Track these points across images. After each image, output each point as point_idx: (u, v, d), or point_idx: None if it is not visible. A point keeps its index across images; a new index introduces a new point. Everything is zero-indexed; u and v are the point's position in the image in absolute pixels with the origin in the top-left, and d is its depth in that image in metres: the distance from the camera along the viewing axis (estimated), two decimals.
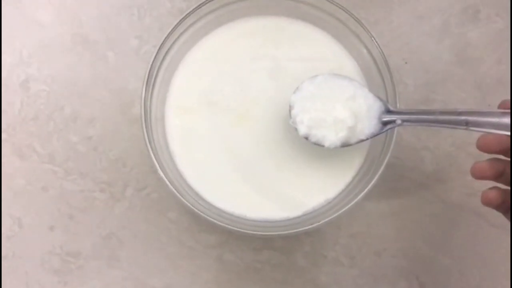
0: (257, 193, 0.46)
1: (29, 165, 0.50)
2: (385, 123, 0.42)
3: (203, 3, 0.44)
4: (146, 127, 0.43)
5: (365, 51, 0.46)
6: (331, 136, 0.42)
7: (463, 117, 0.37)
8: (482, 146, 0.36)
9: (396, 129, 0.43)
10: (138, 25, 0.53)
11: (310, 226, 0.41)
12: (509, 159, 0.36)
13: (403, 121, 0.41)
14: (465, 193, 0.51)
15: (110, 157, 0.51)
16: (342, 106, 0.42)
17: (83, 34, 0.53)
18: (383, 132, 0.42)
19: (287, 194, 0.46)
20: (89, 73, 0.52)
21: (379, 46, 0.44)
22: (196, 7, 0.44)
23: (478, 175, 0.36)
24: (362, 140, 0.43)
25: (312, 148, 0.46)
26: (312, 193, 0.46)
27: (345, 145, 0.43)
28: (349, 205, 0.42)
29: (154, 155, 0.43)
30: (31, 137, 0.51)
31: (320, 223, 0.42)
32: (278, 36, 0.47)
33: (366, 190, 0.42)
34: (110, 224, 0.50)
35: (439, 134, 0.52)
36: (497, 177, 0.36)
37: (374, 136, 0.42)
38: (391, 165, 0.49)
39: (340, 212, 0.42)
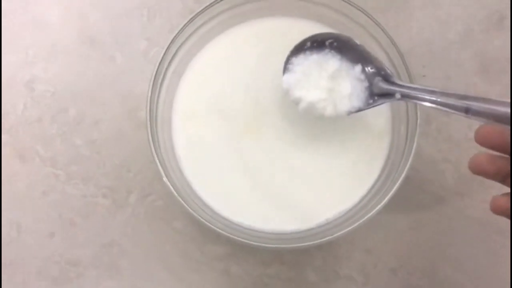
0: (267, 203, 0.44)
1: (30, 168, 0.49)
2: (381, 95, 0.40)
3: (214, 2, 0.42)
4: (151, 132, 0.41)
5: (384, 55, 0.43)
6: (325, 112, 0.41)
7: (464, 102, 0.33)
8: (480, 138, 0.32)
9: (416, 139, 0.41)
10: (147, 26, 0.51)
11: (322, 240, 0.39)
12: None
13: (402, 95, 0.38)
14: (487, 209, 0.46)
15: (114, 161, 0.49)
16: (320, 86, 0.41)
17: (90, 34, 0.51)
18: (374, 106, 0.40)
19: (298, 205, 0.44)
20: (95, 74, 0.50)
21: (400, 52, 0.42)
22: (206, 7, 0.43)
23: (475, 169, 0.32)
24: (353, 112, 0.41)
25: (326, 157, 0.45)
26: (325, 204, 0.44)
27: (340, 116, 0.41)
28: (364, 219, 0.40)
29: (160, 161, 0.41)
30: (33, 139, 0.49)
31: (333, 236, 0.39)
32: (292, 39, 0.44)
33: (382, 203, 0.40)
34: (112, 232, 0.48)
35: (461, 146, 0.49)
36: (500, 178, 0.31)
37: (364, 109, 0.41)
38: (410, 178, 0.47)
39: (354, 225, 0.39)
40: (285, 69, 0.42)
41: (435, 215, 0.48)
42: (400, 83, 0.39)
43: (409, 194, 0.48)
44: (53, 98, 0.50)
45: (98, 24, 0.51)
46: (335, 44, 0.41)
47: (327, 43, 0.42)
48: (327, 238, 0.39)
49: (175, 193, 0.40)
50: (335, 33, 0.42)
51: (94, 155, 0.49)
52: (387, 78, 0.40)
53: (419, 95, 0.37)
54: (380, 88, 0.40)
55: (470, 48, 0.51)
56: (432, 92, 0.36)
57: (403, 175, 0.40)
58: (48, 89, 0.50)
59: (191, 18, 0.43)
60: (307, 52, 0.42)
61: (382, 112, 0.45)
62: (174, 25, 0.51)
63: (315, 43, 0.42)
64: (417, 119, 0.41)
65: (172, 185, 0.40)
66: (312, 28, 0.44)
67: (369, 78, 0.41)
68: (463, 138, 0.49)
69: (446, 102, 0.35)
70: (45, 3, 0.52)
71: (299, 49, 0.42)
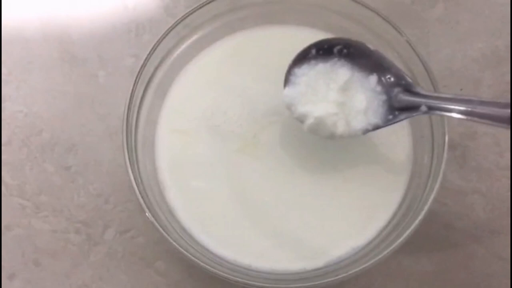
0: (267, 238, 0.38)
1: None
2: (402, 110, 0.34)
3: (203, 4, 0.38)
4: (129, 157, 0.36)
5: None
6: (336, 130, 0.35)
7: (508, 111, 0.29)
8: None
9: (443, 165, 0.35)
10: (135, 42, 0.47)
11: (332, 279, 0.33)
12: None
13: (429, 108, 0.33)
14: None
15: (91, 191, 0.43)
16: (329, 99, 0.36)
17: (72, 51, 0.46)
18: (395, 122, 0.35)
19: (304, 240, 0.38)
20: (74, 94, 0.45)
21: (422, 58, 0.37)
22: (191, 11, 0.38)
23: None
24: (370, 130, 0.36)
25: (335, 184, 0.39)
26: (335, 239, 0.38)
27: (353, 135, 0.36)
28: (382, 255, 0.34)
29: (140, 192, 0.35)
30: None
31: (346, 274, 0.33)
32: (294, 48, 0.38)
33: (401, 238, 0.34)
34: (84, 274, 0.41)
35: (491, 175, 0.43)
36: None
37: (383, 127, 0.35)
38: (435, 212, 0.42)
39: (370, 263, 0.33)
40: (287, 82, 0.37)
41: (466, 256, 0.42)
42: (426, 93, 0.34)
43: (433, 231, 0.42)
44: (25, 119, 0.44)
45: (80, 40, 0.47)
46: (344, 51, 0.36)
47: (335, 50, 0.37)
48: (338, 277, 0.33)
49: (162, 230, 0.34)
50: (345, 38, 0.37)
51: (68, 184, 0.43)
52: (409, 89, 0.35)
53: (451, 106, 0.32)
54: (401, 101, 0.35)
55: (493, 67, 0.46)
56: (467, 102, 0.31)
57: (426, 208, 0.35)
58: (20, 109, 0.45)
59: (173, 24, 0.38)
60: (312, 61, 0.37)
61: (401, 131, 0.40)
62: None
63: (321, 51, 0.37)
64: (444, 140, 0.36)
65: (157, 221, 0.34)
66: (316, 36, 0.38)
67: (387, 89, 0.35)
68: (493, 166, 0.43)
69: (486, 113, 0.30)
70: (24, 16, 0.47)
71: (303, 58, 0.37)
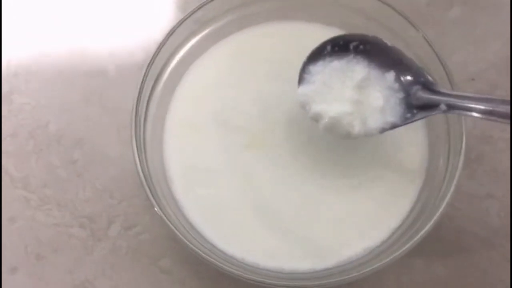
0: (276, 237, 0.37)
1: None
2: (421, 108, 0.33)
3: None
4: (138, 152, 0.35)
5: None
6: (353, 130, 0.34)
7: None
8: None
9: (459, 169, 0.34)
10: (146, 37, 0.46)
11: (342, 278, 0.32)
12: None
13: (449, 107, 0.32)
14: None
15: (96, 186, 0.42)
16: (345, 97, 0.35)
17: (82, 44, 0.46)
18: (413, 120, 0.34)
19: (314, 239, 0.36)
20: (83, 87, 0.45)
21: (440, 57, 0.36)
22: (201, 5, 0.38)
23: None
24: (387, 129, 0.34)
25: (347, 184, 0.37)
26: (346, 240, 0.36)
27: (370, 134, 0.35)
28: (393, 256, 0.32)
29: (149, 186, 0.34)
30: (5, 156, 0.43)
31: (355, 275, 0.32)
32: (308, 45, 0.37)
33: (414, 240, 0.33)
34: (86, 270, 0.40)
35: (506, 179, 0.42)
36: None
37: (400, 125, 0.34)
38: (448, 216, 0.41)
39: (380, 264, 0.32)
40: (301, 79, 0.36)
41: (481, 262, 0.40)
42: (446, 91, 0.33)
43: (447, 235, 0.40)
44: (32, 111, 0.44)
45: (91, 32, 0.46)
46: (361, 47, 0.35)
47: (351, 46, 0.35)
48: (347, 276, 0.32)
49: (170, 225, 0.33)
50: (361, 34, 0.35)
51: (73, 177, 0.42)
52: (428, 86, 0.33)
53: (471, 105, 0.31)
54: (420, 99, 0.33)
55: (510, 71, 0.45)
56: (488, 101, 0.30)
57: (439, 211, 0.33)
58: (27, 101, 0.44)
59: (183, 18, 0.38)
60: (327, 58, 0.36)
61: (416, 132, 0.39)
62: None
63: (337, 47, 0.36)
64: (462, 142, 0.35)
65: (165, 216, 0.34)
66: (328, 33, 0.37)
67: (405, 87, 0.34)
68: (508, 170, 0.42)
69: (507, 112, 0.29)
70: (33, 10, 0.47)
71: (318, 55, 0.36)
